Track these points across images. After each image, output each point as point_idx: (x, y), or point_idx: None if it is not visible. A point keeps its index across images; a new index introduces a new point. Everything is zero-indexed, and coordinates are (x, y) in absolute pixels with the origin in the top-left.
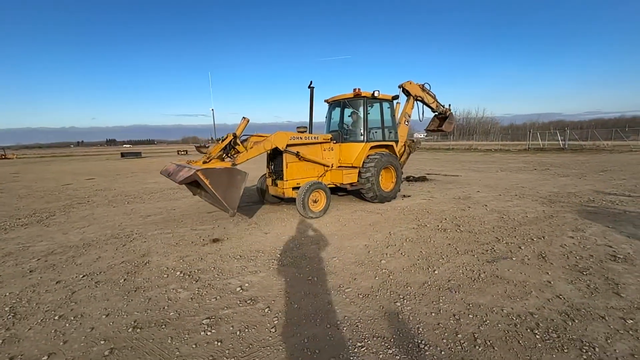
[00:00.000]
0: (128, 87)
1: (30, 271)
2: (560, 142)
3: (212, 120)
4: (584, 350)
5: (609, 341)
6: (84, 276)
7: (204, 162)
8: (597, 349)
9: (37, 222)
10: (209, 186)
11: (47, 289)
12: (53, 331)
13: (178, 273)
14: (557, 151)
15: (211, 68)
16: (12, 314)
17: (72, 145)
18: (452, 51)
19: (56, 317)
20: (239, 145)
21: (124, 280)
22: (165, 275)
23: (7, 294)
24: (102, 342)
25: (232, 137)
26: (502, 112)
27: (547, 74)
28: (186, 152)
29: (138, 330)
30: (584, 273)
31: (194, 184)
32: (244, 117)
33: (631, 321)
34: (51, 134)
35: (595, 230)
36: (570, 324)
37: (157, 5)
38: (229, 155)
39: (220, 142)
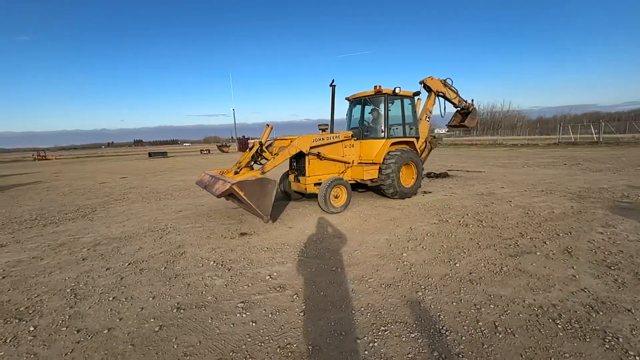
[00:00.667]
0: (153, 89)
1: (83, 259)
2: (594, 135)
3: (231, 120)
4: (607, 340)
5: (633, 332)
6: (129, 264)
7: (235, 173)
8: (620, 340)
9: (82, 216)
10: (244, 197)
11: (99, 275)
12: (109, 310)
13: (212, 262)
14: (590, 145)
15: (231, 68)
16: (74, 295)
17: (103, 146)
18: (475, 44)
19: (110, 299)
20: (266, 152)
21: (165, 268)
22: (200, 265)
23: (67, 278)
24: (151, 320)
25: (258, 145)
26: (530, 104)
27: (579, 63)
28: (209, 152)
29: (182, 310)
30: (612, 268)
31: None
32: (267, 124)
33: None
34: (85, 135)
35: (627, 226)
36: (594, 315)
37: (178, 10)
38: (257, 162)
39: (248, 151)
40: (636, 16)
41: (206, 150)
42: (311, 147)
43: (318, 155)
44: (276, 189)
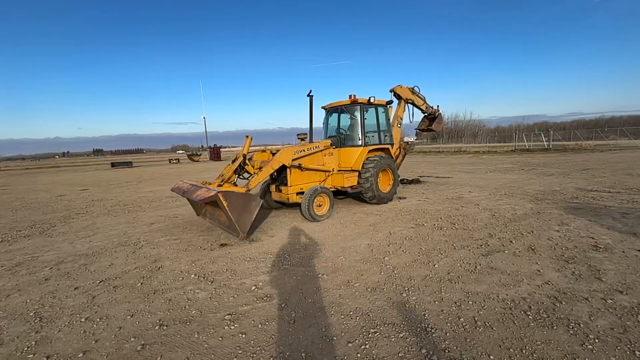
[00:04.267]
0: (115, 96)
1: (45, 279)
2: (545, 142)
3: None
4: (571, 327)
5: (592, 318)
6: (100, 282)
7: (219, 185)
8: (581, 325)
9: (39, 233)
10: (227, 208)
11: (67, 295)
12: (82, 332)
13: (192, 275)
14: (542, 151)
15: (202, 75)
16: (38, 318)
17: (57, 156)
18: (440, 56)
19: (82, 320)
20: (248, 165)
21: (141, 284)
22: (180, 278)
23: (28, 300)
24: (132, 339)
25: (242, 158)
26: (489, 114)
27: (531, 77)
28: (178, 161)
29: (165, 327)
30: (570, 262)
31: (201, 205)
32: (247, 136)
33: (610, 301)
34: (35, 145)
35: (578, 224)
36: (558, 305)
37: (146, 11)
38: (240, 175)
39: (231, 163)
40: (573, 40)
41: (175, 159)
42: (293, 160)
43: (299, 167)
44: (258, 209)
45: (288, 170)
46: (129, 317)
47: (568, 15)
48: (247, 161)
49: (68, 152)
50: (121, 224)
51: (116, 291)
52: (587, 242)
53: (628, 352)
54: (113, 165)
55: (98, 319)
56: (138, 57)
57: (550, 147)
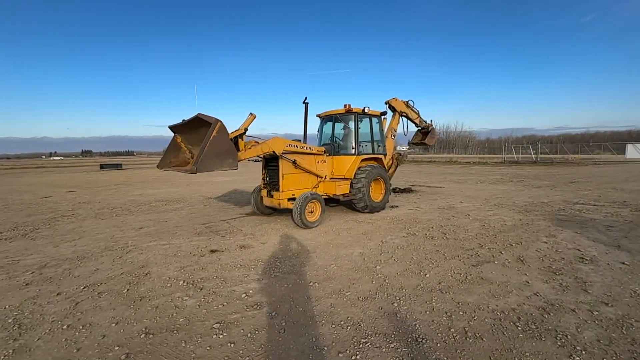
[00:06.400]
0: (105, 96)
1: (26, 284)
2: (533, 155)
3: None
4: (559, 338)
5: (579, 330)
6: (84, 287)
7: None
8: (569, 337)
9: (21, 235)
10: (211, 138)
11: (49, 301)
12: (64, 340)
13: (181, 282)
14: (530, 164)
15: (196, 79)
16: (17, 326)
17: (44, 156)
18: (434, 68)
19: (64, 327)
20: (241, 141)
21: (127, 290)
22: (168, 285)
23: (7, 306)
24: (116, 347)
25: (243, 131)
26: (480, 126)
27: (520, 91)
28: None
29: (150, 336)
30: (557, 273)
31: (174, 147)
32: (251, 113)
33: (597, 312)
34: (21, 144)
35: (565, 235)
36: (546, 316)
37: (139, 11)
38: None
39: (234, 131)
40: (562, 56)
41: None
42: (285, 152)
43: (294, 163)
44: (230, 167)
45: (280, 174)
46: (113, 324)
47: (556, 34)
48: (243, 136)
49: (56, 152)
50: (108, 227)
51: (101, 297)
52: (573, 254)
53: None
54: (102, 167)
55: (81, 327)
56: (131, 58)
57: (538, 159)
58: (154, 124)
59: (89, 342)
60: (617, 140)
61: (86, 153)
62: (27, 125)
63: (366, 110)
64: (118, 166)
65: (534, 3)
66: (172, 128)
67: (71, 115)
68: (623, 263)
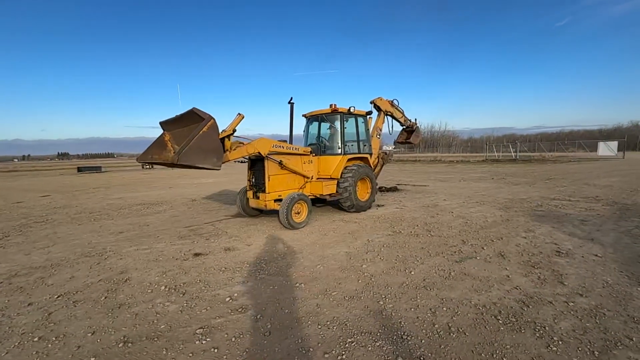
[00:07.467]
0: (83, 97)
1: None
2: (513, 153)
3: None
4: (537, 330)
5: (555, 321)
6: (58, 296)
7: None
8: (547, 328)
9: None
10: (200, 131)
11: (19, 312)
12: (34, 352)
13: (162, 287)
14: (510, 162)
15: (180, 80)
16: None
17: (15, 160)
18: (418, 68)
19: (35, 339)
20: (227, 142)
21: (105, 298)
22: (149, 291)
23: None
24: (92, 359)
25: (231, 131)
26: (462, 126)
27: (501, 91)
28: (152, 167)
29: (129, 344)
30: (535, 267)
31: (163, 141)
32: (239, 113)
33: (572, 304)
34: None
35: (543, 230)
36: (525, 309)
37: (121, 9)
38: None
39: (222, 132)
40: (539, 58)
41: (149, 164)
42: (270, 152)
43: (280, 164)
44: (213, 166)
45: (266, 175)
46: (89, 334)
47: (534, 36)
48: (231, 137)
49: (29, 155)
50: (86, 233)
51: (76, 306)
52: (550, 247)
53: (588, 353)
54: (80, 170)
55: (53, 338)
56: (111, 56)
57: (517, 157)
58: (135, 124)
59: (62, 354)
60: (589, 139)
61: (62, 156)
62: None
63: (352, 110)
64: (97, 169)
65: (513, 6)
66: (162, 124)
67: (46, 115)
68: (596, 255)
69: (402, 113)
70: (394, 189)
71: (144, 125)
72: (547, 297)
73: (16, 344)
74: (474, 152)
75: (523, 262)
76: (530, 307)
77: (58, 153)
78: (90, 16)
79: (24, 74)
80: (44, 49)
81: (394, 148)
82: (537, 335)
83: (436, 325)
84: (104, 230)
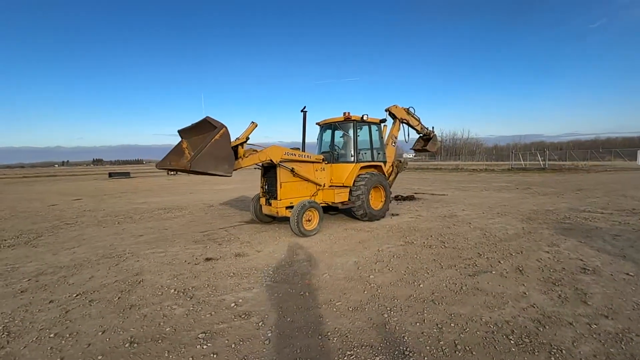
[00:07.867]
0: (116, 106)
1: (21, 291)
2: (541, 162)
3: None
4: (552, 353)
5: (574, 344)
6: (77, 295)
7: None
8: (564, 352)
9: (24, 243)
10: (212, 140)
11: (40, 309)
12: (49, 348)
13: (172, 291)
14: (538, 171)
15: (203, 89)
16: (6, 333)
17: (56, 165)
18: (442, 75)
19: (51, 335)
20: (242, 148)
21: (118, 298)
22: (159, 293)
23: (0, 313)
24: (99, 357)
25: (244, 139)
26: (487, 133)
27: (529, 97)
28: (176, 173)
29: (135, 345)
30: (557, 284)
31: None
32: (252, 122)
33: (595, 326)
34: (35, 153)
35: (569, 245)
36: (541, 330)
37: (148, 25)
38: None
39: (235, 139)
40: (571, 61)
41: (173, 171)
42: (282, 160)
43: (292, 171)
44: (224, 173)
45: (278, 182)
46: (100, 333)
47: (565, 38)
48: (244, 144)
49: (68, 161)
50: (109, 235)
51: (91, 305)
52: (575, 264)
53: None
54: (110, 175)
55: (67, 335)
56: (140, 70)
57: (546, 166)
58: (163, 132)
59: (74, 351)
60: (629, 147)
61: (97, 162)
62: (41, 135)
63: (365, 118)
64: (126, 175)
65: (541, 9)
66: (180, 131)
67: (83, 125)
68: (627, 274)
69: (419, 120)
70: (410, 198)
71: (170, 133)
72: (567, 317)
73: (34, 339)
74: (499, 161)
75: (543, 279)
76: (547, 327)
77: (93, 159)
78: (126, 38)
79: (64, 88)
80: (84, 66)
81: (414, 156)
82: (553, 358)
83: (441, 342)
84: (125, 233)
